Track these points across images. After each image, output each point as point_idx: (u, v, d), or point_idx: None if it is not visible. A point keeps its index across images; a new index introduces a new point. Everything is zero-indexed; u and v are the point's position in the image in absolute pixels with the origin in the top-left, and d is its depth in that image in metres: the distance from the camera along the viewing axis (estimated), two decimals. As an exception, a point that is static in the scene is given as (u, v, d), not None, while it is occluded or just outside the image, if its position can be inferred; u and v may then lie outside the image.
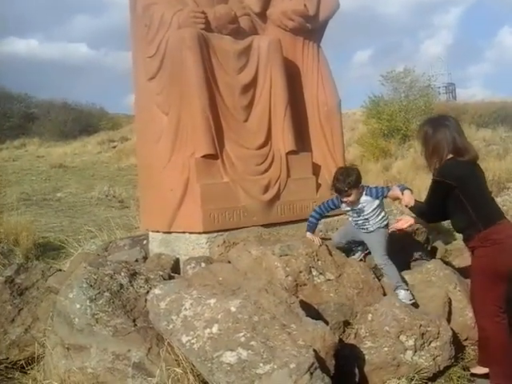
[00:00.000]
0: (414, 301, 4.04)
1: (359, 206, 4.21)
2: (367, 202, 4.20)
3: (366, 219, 4.23)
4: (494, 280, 3.52)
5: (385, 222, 4.28)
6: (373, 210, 4.20)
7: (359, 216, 4.25)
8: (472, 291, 3.73)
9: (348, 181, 4.08)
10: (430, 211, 3.82)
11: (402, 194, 4.04)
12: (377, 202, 4.21)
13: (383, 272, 4.21)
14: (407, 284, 4.17)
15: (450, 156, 3.61)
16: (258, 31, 5.44)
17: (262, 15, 5.49)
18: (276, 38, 5.20)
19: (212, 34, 4.95)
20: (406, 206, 3.99)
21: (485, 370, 3.58)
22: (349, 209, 4.29)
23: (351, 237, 4.42)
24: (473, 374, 3.63)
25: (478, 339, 3.71)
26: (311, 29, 5.59)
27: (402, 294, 4.03)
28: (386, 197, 4.25)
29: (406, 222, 4.13)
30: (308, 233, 4.34)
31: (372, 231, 4.24)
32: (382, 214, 4.27)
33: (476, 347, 3.82)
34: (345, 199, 4.18)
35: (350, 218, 4.37)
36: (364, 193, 4.20)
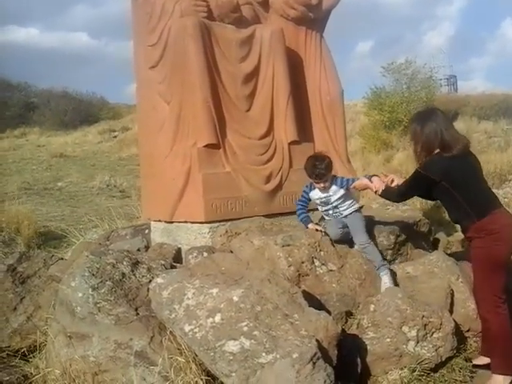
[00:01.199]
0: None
1: (327, 194, 4.29)
2: (334, 192, 4.29)
3: (335, 206, 4.32)
4: (491, 270, 3.52)
5: (356, 206, 4.37)
6: (339, 198, 4.29)
7: (327, 205, 4.33)
8: (474, 282, 3.73)
9: (325, 164, 4.22)
10: (402, 193, 3.84)
11: (371, 181, 4.04)
12: (342, 191, 4.28)
13: (365, 252, 4.22)
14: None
15: (437, 151, 3.60)
16: (261, 20, 5.41)
17: (264, 4, 5.45)
18: (278, 28, 5.17)
19: (214, 22, 4.93)
20: (376, 192, 3.97)
21: (487, 361, 3.58)
22: (318, 202, 4.38)
23: (342, 224, 4.38)
24: (475, 365, 3.64)
25: (481, 330, 3.71)
26: (314, 18, 5.55)
27: (387, 277, 4.07)
28: (354, 187, 4.27)
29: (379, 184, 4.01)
30: (310, 225, 4.33)
31: (348, 215, 4.32)
32: (350, 200, 4.35)
33: (478, 338, 3.83)
34: (322, 184, 4.26)
35: (320, 210, 4.45)
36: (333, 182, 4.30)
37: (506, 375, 3.44)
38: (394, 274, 4.15)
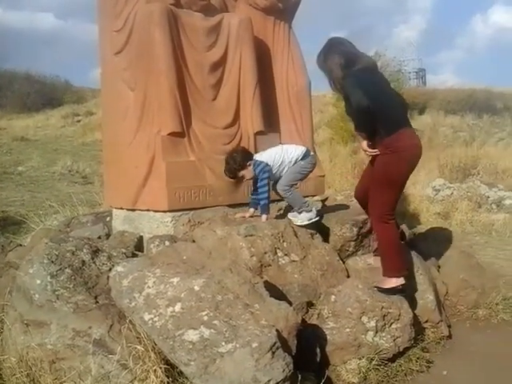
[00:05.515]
0: (317, 218, 4.33)
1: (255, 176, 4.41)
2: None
3: (276, 178, 4.42)
4: (388, 186, 3.81)
5: (285, 169, 4.38)
6: (270, 173, 4.37)
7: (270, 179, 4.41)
8: (369, 194, 3.97)
9: (235, 166, 4.35)
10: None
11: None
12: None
13: (285, 197, 4.34)
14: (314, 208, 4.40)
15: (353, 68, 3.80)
16: (229, 9, 5.38)
17: (233, -7, 5.41)
18: (247, 17, 5.15)
19: (181, 9, 4.86)
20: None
21: (389, 282, 3.81)
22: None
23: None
24: (378, 288, 3.79)
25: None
26: (283, 9, 5.54)
27: (302, 215, 4.25)
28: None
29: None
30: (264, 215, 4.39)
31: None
32: (284, 166, 4.38)
33: (436, 329, 3.95)
34: (243, 179, 4.45)
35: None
36: (253, 168, 4.38)
37: (397, 277, 3.79)
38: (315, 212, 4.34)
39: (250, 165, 4.37)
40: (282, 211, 4.75)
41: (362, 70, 3.81)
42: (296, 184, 4.51)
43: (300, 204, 4.29)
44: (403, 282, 3.82)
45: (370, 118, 3.72)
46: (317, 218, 4.36)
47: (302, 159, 4.36)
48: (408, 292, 3.91)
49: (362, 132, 3.93)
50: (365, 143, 3.93)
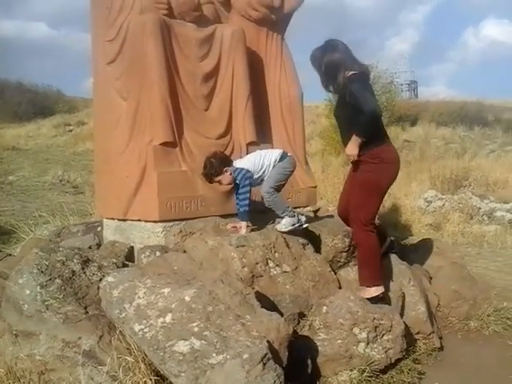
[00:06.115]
0: (304, 225, 4.34)
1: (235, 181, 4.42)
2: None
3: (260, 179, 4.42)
4: (371, 195, 3.91)
5: (265, 173, 4.38)
6: (253, 179, 4.37)
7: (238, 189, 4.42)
8: (351, 202, 4.05)
9: (211, 171, 4.37)
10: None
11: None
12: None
13: (268, 201, 4.29)
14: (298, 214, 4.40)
15: (352, 73, 3.88)
16: (222, 20, 5.38)
17: (226, 4, 5.42)
18: (240, 28, 5.16)
19: (174, 20, 4.87)
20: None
21: (369, 292, 3.88)
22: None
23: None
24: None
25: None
26: (275, 20, 5.57)
27: (284, 220, 4.25)
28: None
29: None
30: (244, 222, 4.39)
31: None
32: (263, 171, 4.39)
33: (427, 340, 3.94)
34: (220, 184, 4.50)
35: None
36: (234, 174, 4.37)
37: (377, 286, 3.88)
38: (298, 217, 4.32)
39: (226, 171, 4.36)
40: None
41: (363, 76, 3.86)
42: (281, 186, 4.45)
43: (283, 208, 4.27)
44: (383, 289, 3.90)
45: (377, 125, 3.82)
46: (305, 225, 4.35)
47: (279, 161, 4.38)
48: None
49: (365, 137, 3.87)
50: (357, 149, 3.92)
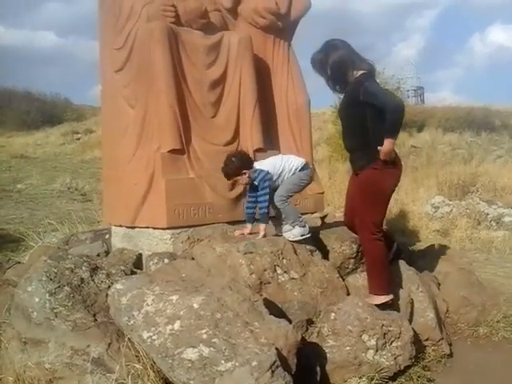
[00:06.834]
0: (309, 235, 4.28)
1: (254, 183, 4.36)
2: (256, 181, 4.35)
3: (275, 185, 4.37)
4: (376, 201, 3.85)
5: (284, 177, 4.33)
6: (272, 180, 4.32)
7: (255, 191, 4.37)
8: (357, 210, 3.98)
9: (230, 171, 4.32)
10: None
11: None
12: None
13: (281, 208, 4.27)
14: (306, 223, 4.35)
15: (362, 72, 3.82)
16: (229, 27, 5.42)
17: (233, 11, 5.46)
18: (247, 35, 5.18)
19: (182, 28, 4.90)
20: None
21: (378, 299, 3.82)
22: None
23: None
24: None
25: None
26: (282, 27, 5.59)
27: (295, 230, 4.20)
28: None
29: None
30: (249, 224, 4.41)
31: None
32: (280, 176, 4.34)
33: (437, 347, 3.91)
34: (239, 183, 4.46)
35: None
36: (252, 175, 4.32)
37: (385, 295, 3.83)
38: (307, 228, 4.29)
39: (245, 173, 4.32)
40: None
41: (374, 74, 3.83)
42: (292, 196, 4.43)
43: (294, 218, 4.25)
44: (392, 296, 3.87)
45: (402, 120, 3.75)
46: (309, 235, 4.32)
47: (300, 170, 4.35)
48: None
49: (397, 134, 3.76)
50: (393, 149, 3.77)
